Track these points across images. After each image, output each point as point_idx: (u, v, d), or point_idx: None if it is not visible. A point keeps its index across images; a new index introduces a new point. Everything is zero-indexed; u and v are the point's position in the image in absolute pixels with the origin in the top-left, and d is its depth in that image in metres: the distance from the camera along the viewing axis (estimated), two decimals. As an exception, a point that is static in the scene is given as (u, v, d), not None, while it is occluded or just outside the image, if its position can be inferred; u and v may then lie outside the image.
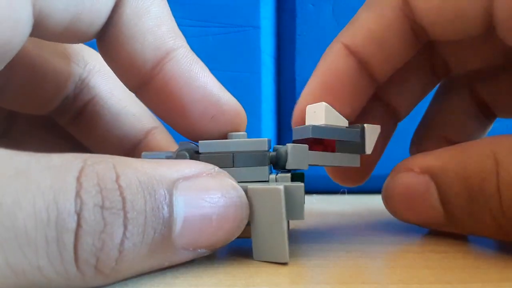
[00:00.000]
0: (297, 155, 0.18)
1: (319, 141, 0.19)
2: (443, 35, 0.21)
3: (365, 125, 0.20)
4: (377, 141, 0.21)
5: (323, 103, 0.20)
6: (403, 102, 0.25)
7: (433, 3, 0.20)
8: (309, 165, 0.19)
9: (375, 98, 0.23)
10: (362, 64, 0.21)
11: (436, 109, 0.26)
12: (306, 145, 0.18)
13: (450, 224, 0.19)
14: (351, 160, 0.20)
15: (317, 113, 0.20)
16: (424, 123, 0.26)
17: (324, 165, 0.20)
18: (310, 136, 0.19)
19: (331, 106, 0.20)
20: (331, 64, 0.22)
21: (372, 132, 0.21)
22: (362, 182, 0.26)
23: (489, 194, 0.17)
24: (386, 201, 0.21)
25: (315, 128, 0.19)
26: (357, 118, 0.23)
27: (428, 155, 0.20)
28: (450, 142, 0.25)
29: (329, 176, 0.25)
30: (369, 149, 0.21)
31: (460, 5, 0.19)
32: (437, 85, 0.26)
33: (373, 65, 0.21)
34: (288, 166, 0.18)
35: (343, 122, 0.20)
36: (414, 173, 0.19)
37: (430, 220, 0.20)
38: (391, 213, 0.21)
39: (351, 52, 0.21)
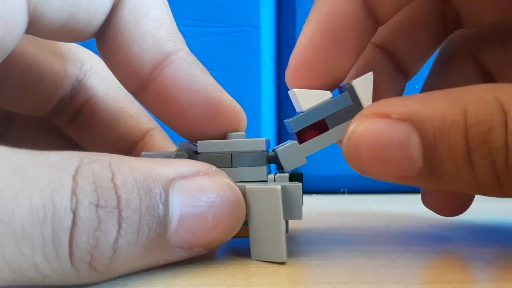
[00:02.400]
0: (288, 156, 0.18)
1: (308, 129, 0.18)
2: None
3: (352, 81, 0.18)
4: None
5: (294, 89, 0.19)
6: (411, 56, 0.23)
7: None
8: (308, 155, 0.18)
9: (383, 52, 0.22)
10: (366, 3, 0.19)
11: (435, 82, 0.23)
12: (295, 141, 0.18)
13: (427, 178, 0.17)
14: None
15: (296, 101, 0.19)
16: None
17: (323, 147, 0.19)
18: (294, 131, 0.18)
19: (326, 53, 0.18)
20: (331, 4, 0.19)
21: (364, 84, 0.18)
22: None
23: (495, 147, 0.15)
24: (348, 152, 0.17)
25: (295, 121, 0.18)
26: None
27: (409, 99, 0.17)
28: None
29: (329, 176, 0.25)
30: (366, 102, 0.18)
31: None
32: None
33: (377, 3, 0.19)
34: (286, 169, 0.18)
35: (325, 95, 0.18)
36: (391, 120, 0.16)
37: (402, 173, 0.17)
38: (352, 167, 0.17)
39: None
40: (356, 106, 0.18)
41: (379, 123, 0.16)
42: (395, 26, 0.21)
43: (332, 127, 0.18)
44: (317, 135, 0.18)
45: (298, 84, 0.19)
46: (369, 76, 0.18)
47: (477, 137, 0.15)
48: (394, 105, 0.17)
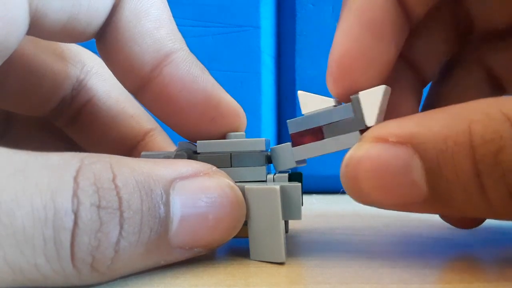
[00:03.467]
0: (280, 156, 0.18)
1: (303, 134, 0.18)
2: None
3: (359, 93, 0.17)
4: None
5: (299, 91, 0.18)
6: (427, 61, 0.22)
7: None
8: (300, 160, 0.18)
9: (400, 57, 0.20)
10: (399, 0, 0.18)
11: (441, 88, 0.22)
12: (289, 143, 0.18)
13: (435, 205, 0.15)
14: (349, 141, 0.17)
15: (301, 102, 0.18)
16: (429, 103, 0.23)
17: (314, 156, 0.18)
18: (289, 133, 0.18)
19: (367, 46, 0.17)
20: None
21: (372, 98, 0.17)
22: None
23: (508, 168, 0.13)
24: (347, 180, 0.16)
25: (291, 123, 0.18)
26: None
27: (405, 120, 0.16)
28: None
29: (329, 176, 0.25)
30: (370, 119, 0.17)
31: None
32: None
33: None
34: (277, 169, 0.18)
35: (328, 102, 0.18)
36: (390, 144, 0.15)
37: (407, 200, 0.15)
38: (352, 196, 0.16)
39: None
40: (357, 120, 0.17)
41: (377, 148, 0.15)
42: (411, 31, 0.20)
43: (328, 137, 0.18)
44: (311, 142, 0.18)
45: (342, 80, 0.18)
46: (379, 89, 0.17)
47: (487, 158, 0.14)
48: (390, 127, 0.16)
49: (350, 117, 0.17)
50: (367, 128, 0.17)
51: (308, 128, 0.18)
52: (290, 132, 0.18)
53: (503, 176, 0.14)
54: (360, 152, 0.16)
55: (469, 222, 0.21)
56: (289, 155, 0.18)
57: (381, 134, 0.15)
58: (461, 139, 0.14)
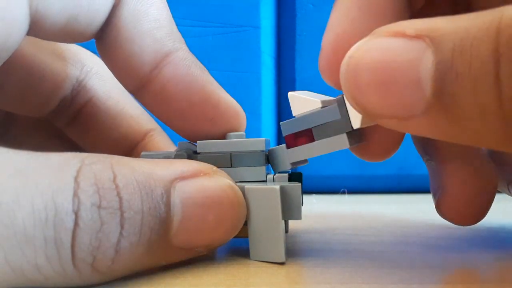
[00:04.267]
0: (275, 158, 0.18)
1: (293, 136, 0.18)
2: None
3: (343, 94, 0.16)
4: None
5: (289, 92, 0.18)
6: None
7: None
8: (295, 162, 0.18)
9: None
10: None
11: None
12: (283, 145, 0.18)
13: (435, 117, 0.13)
14: (337, 143, 0.17)
15: (291, 104, 0.18)
16: None
17: (307, 158, 0.18)
18: (284, 135, 0.18)
19: (365, 27, 0.15)
20: None
21: None
22: (390, 155, 0.19)
23: None
24: (346, 73, 0.14)
25: (284, 125, 0.18)
26: None
27: (435, 17, 0.13)
28: None
29: (329, 176, 0.25)
30: (356, 121, 0.16)
31: None
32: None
33: None
34: (274, 171, 0.18)
35: (315, 104, 0.17)
36: (405, 38, 0.13)
37: (406, 108, 0.13)
38: (348, 96, 0.14)
39: None
40: (343, 122, 0.17)
41: (389, 41, 0.13)
42: None
43: (318, 139, 0.17)
44: (304, 143, 0.18)
45: (337, 65, 0.16)
46: None
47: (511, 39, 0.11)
48: (413, 22, 0.13)
49: (337, 119, 0.17)
50: (354, 130, 0.17)
51: (299, 130, 0.18)
52: (283, 134, 0.18)
53: None
54: (367, 44, 0.14)
55: (467, 217, 0.21)
56: (285, 157, 0.18)
57: (398, 27, 0.13)
58: (486, 26, 0.12)
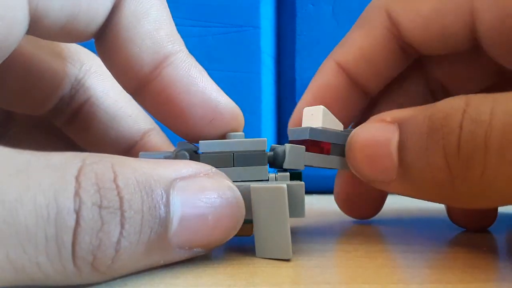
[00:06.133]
0: (294, 155, 0.19)
1: (315, 143, 0.20)
2: (431, 50, 0.22)
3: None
4: None
5: (321, 106, 0.20)
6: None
7: (418, 22, 0.21)
8: (305, 165, 0.19)
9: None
10: (352, 80, 0.23)
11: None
12: (303, 146, 0.19)
13: (401, 177, 0.18)
14: (345, 164, 0.20)
15: (314, 116, 0.20)
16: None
17: (319, 167, 0.20)
18: (308, 138, 0.19)
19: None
20: (323, 80, 0.23)
21: None
22: (374, 214, 0.26)
23: (449, 130, 0.16)
24: (347, 150, 0.20)
25: (312, 130, 0.19)
26: None
27: (410, 108, 0.18)
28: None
29: (329, 176, 0.25)
30: None
31: (444, 23, 0.20)
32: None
33: (363, 81, 0.23)
34: (285, 166, 0.18)
35: (339, 126, 0.21)
36: (384, 123, 0.18)
37: (383, 174, 0.18)
38: (350, 166, 0.20)
39: (343, 69, 0.23)
40: None
41: (374, 126, 0.19)
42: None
43: (333, 155, 0.20)
44: (317, 152, 0.20)
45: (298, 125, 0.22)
46: None
47: (436, 123, 0.16)
48: (393, 112, 0.18)
49: None
50: None
51: (323, 140, 0.20)
52: (310, 138, 0.19)
53: (442, 138, 0.16)
54: (361, 129, 0.19)
55: (476, 223, 0.23)
56: (302, 157, 0.19)
57: (381, 116, 0.19)
58: (428, 114, 0.17)
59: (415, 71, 0.24)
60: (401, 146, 0.17)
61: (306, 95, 0.23)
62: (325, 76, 0.23)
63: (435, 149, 0.16)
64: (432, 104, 0.17)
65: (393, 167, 0.18)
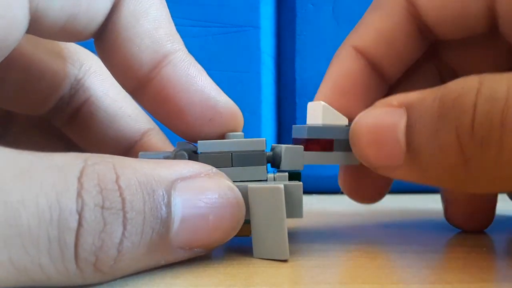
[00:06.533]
0: (291, 156, 0.19)
1: (316, 141, 0.19)
2: (448, 33, 0.21)
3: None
4: None
5: (321, 102, 0.20)
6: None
7: (436, 2, 0.20)
8: (306, 164, 0.19)
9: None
10: (372, 65, 0.22)
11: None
12: (301, 146, 0.19)
13: (409, 163, 0.17)
14: (351, 159, 0.20)
15: (316, 112, 0.20)
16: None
17: (321, 164, 0.20)
18: (306, 137, 0.19)
19: (339, 105, 0.20)
20: (342, 66, 0.22)
21: None
22: (379, 199, 0.24)
23: (462, 110, 0.15)
24: (352, 136, 0.19)
25: (310, 128, 0.19)
26: None
27: (417, 91, 0.18)
28: None
29: (329, 176, 0.25)
30: None
31: (463, 3, 0.20)
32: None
33: (383, 65, 0.22)
34: (282, 167, 0.18)
35: (343, 120, 0.20)
36: (391, 108, 0.18)
37: (390, 159, 0.18)
38: (354, 152, 0.19)
39: (361, 53, 0.22)
40: None
41: (380, 111, 0.18)
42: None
43: (337, 151, 0.20)
44: (321, 150, 0.19)
45: None
46: None
47: (447, 103, 0.16)
48: (400, 95, 0.18)
49: None
50: None
51: (324, 137, 0.19)
52: (308, 136, 0.19)
53: (454, 119, 0.15)
54: (366, 113, 0.18)
55: (474, 223, 0.23)
56: (300, 157, 0.19)
57: (387, 100, 0.18)
58: (438, 95, 0.16)
59: (428, 62, 0.23)
60: (409, 130, 0.17)
61: (325, 84, 0.22)
62: (344, 62, 0.22)
63: (447, 131, 0.16)
64: (442, 86, 0.16)
65: (400, 152, 0.17)
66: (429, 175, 0.17)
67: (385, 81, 0.22)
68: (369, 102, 0.21)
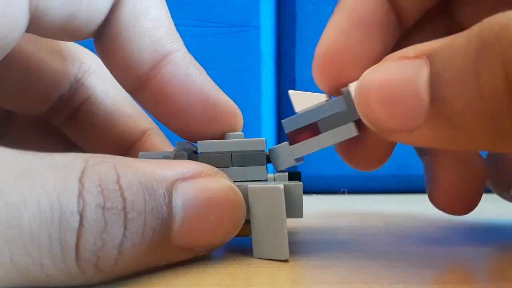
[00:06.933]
0: (278, 156, 0.18)
1: (298, 132, 0.18)
2: None
3: (349, 85, 0.18)
4: None
5: (289, 91, 0.19)
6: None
7: None
8: (298, 158, 0.18)
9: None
10: (391, 2, 0.19)
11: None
12: (286, 143, 0.18)
13: (434, 120, 0.14)
14: (345, 132, 0.18)
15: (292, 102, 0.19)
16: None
17: (313, 151, 0.19)
18: (286, 132, 0.19)
19: (351, 37, 0.18)
20: None
21: None
22: (380, 165, 0.21)
23: (509, 42, 0.12)
24: (359, 94, 0.16)
25: (287, 122, 0.18)
26: None
27: (435, 40, 0.15)
28: None
29: (329, 176, 0.25)
30: None
31: None
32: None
33: (403, 4, 0.19)
34: (276, 169, 0.18)
35: (320, 98, 0.18)
36: (407, 59, 0.15)
37: (407, 117, 0.15)
38: (360, 113, 0.16)
39: None
40: (350, 112, 0.18)
41: (393, 64, 0.15)
42: None
43: (324, 131, 0.18)
44: (309, 138, 0.18)
45: (327, 72, 0.18)
46: None
47: (488, 37, 0.13)
48: (414, 46, 0.15)
49: (344, 110, 0.18)
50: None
51: (304, 125, 0.18)
52: (286, 132, 0.18)
53: (500, 54, 0.13)
54: (377, 68, 0.16)
55: (458, 206, 0.21)
56: (288, 154, 0.18)
57: (401, 52, 0.15)
58: (471, 38, 0.13)
59: (438, 20, 0.21)
60: (435, 79, 0.14)
61: (339, 12, 0.19)
62: None
63: (490, 70, 0.13)
64: (473, 26, 0.14)
65: (421, 108, 0.14)
66: (459, 133, 0.14)
67: (400, 23, 0.19)
68: (382, 46, 0.19)
